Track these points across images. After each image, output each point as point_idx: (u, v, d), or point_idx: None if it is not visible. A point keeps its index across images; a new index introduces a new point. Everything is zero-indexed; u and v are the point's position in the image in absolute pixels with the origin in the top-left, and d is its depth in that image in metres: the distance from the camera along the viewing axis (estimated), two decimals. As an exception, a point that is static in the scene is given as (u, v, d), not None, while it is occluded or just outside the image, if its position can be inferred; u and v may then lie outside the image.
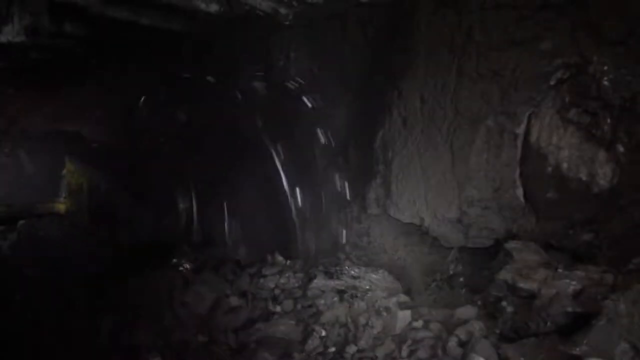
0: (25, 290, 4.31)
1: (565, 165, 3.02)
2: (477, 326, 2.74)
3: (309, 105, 4.12)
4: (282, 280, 3.69)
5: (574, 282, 2.55)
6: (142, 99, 5.41)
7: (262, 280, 3.81)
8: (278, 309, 3.55)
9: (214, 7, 3.99)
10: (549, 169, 3.07)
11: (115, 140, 5.62)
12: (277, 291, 3.70)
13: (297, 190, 3.88)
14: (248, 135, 4.08)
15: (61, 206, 5.15)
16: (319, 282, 3.55)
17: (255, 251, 4.28)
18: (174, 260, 4.29)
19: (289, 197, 3.89)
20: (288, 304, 3.55)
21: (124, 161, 5.05)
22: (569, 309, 2.48)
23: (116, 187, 4.61)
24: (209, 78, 4.63)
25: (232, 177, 4.28)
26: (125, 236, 4.54)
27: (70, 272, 4.52)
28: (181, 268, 4.05)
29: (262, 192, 4.13)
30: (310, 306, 3.44)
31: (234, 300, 3.76)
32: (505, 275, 2.81)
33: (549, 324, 2.50)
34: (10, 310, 4.08)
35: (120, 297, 3.91)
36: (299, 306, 3.53)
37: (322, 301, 3.40)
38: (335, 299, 3.41)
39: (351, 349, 3.00)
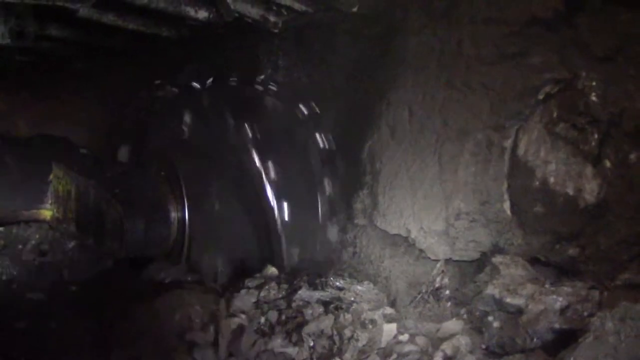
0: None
1: (552, 179, 3.02)
2: (463, 341, 2.73)
3: (298, 114, 4.09)
4: (263, 294, 3.64)
5: (560, 298, 2.55)
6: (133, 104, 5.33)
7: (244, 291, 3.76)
8: (262, 320, 3.51)
9: (202, 14, 3.98)
10: (536, 183, 3.07)
11: (104, 146, 5.54)
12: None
13: (284, 202, 3.82)
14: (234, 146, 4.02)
15: (47, 213, 4.97)
16: (304, 293, 3.52)
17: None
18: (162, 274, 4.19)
19: (275, 210, 3.84)
20: (273, 315, 3.51)
21: (114, 168, 4.92)
22: (556, 326, 2.47)
23: (106, 195, 4.46)
24: (194, 84, 4.58)
25: (215, 189, 4.22)
26: (116, 246, 4.38)
27: (57, 286, 4.37)
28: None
29: (246, 202, 4.07)
30: (295, 317, 3.40)
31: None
32: (492, 290, 2.80)
33: (535, 340, 2.49)
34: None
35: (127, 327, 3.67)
36: (283, 317, 3.50)
37: (310, 311, 3.37)
38: (321, 310, 3.38)
39: (336, 362, 2.98)
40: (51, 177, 4.92)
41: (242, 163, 3.94)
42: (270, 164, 3.86)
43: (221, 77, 4.55)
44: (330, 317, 3.30)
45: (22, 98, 6.37)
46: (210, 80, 4.47)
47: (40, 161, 5.10)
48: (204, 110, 4.25)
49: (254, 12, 4.03)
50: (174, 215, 4.40)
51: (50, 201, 4.95)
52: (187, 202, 4.33)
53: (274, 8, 4.02)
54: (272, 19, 4.09)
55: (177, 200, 4.39)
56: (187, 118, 4.37)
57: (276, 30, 4.15)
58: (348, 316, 3.28)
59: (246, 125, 3.95)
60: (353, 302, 3.44)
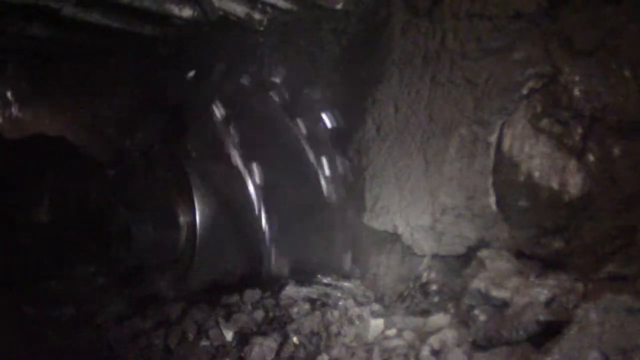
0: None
1: (537, 174, 3.04)
2: (450, 335, 2.74)
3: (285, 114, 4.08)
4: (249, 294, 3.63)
5: (545, 291, 2.57)
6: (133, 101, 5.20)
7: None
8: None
9: (187, 12, 3.97)
10: (521, 177, 3.09)
11: (104, 146, 5.36)
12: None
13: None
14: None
15: (44, 216, 4.70)
16: (290, 290, 3.51)
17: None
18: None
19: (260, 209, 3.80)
20: (259, 314, 3.51)
21: (116, 168, 4.68)
22: (541, 318, 2.49)
23: (108, 197, 4.22)
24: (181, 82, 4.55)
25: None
26: (122, 252, 4.14)
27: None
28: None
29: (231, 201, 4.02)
30: (282, 315, 3.40)
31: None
32: (478, 284, 2.81)
33: (521, 332, 2.51)
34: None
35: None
36: (270, 315, 3.49)
37: (296, 309, 3.36)
38: (307, 307, 3.38)
39: (323, 358, 2.98)
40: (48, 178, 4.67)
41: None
42: (255, 167, 3.83)
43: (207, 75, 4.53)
44: (317, 314, 3.31)
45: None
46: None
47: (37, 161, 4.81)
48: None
49: (239, 10, 4.03)
50: (182, 219, 4.20)
51: (47, 203, 4.69)
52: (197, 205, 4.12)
53: (259, 6, 4.02)
54: (257, 16, 4.10)
55: (187, 204, 4.18)
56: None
57: (261, 28, 4.15)
58: (335, 313, 3.29)
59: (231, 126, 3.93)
60: (340, 298, 3.44)
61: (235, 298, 3.62)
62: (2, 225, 4.60)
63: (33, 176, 4.73)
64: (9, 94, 6.40)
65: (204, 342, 3.38)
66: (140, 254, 4.09)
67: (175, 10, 3.95)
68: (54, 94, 6.29)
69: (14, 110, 6.45)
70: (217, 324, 3.42)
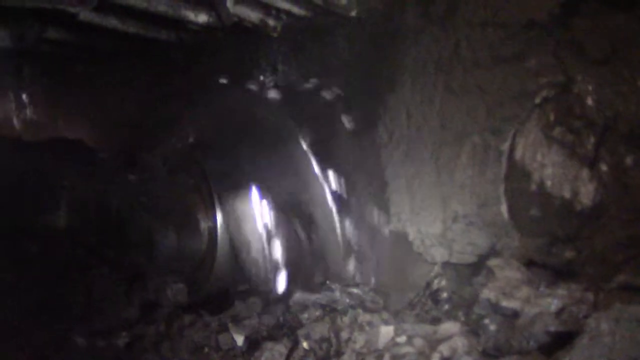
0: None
1: (549, 182, 3.03)
2: (460, 343, 2.74)
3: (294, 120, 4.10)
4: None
5: (556, 301, 2.56)
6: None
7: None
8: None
9: (202, 18, 4.00)
10: (533, 186, 3.09)
11: (124, 150, 5.30)
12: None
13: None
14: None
15: (61, 222, 4.46)
16: (300, 296, 3.53)
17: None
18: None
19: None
20: (269, 319, 3.52)
21: (137, 173, 4.59)
22: (552, 328, 2.48)
23: (130, 203, 4.08)
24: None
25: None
26: (143, 259, 3.98)
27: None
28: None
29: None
30: (292, 320, 3.41)
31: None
32: (488, 293, 2.81)
33: (531, 342, 2.50)
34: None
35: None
36: (280, 320, 3.51)
37: (306, 315, 3.38)
38: (317, 313, 3.39)
39: (334, 364, 2.99)
40: (65, 183, 4.51)
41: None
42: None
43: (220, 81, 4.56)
44: (327, 320, 3.32)
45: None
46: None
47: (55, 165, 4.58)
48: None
49: (253, 16, 4.06)
50: (204, 225, 4.12)
51: (64, 209, 4.49)
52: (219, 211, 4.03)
53: (273, 12, 4.05)
54: (271, 23, 4.12)
55: (209, 210, 4.10)
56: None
57: (275, 35, 4.18)
58: (345, 319, 3.30)
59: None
60: (350, 304, 3.45)
61: (245, 304, 3.64)
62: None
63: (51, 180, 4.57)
64: (25, 97, 6.47)
65: (214, 347, 3.40)
66: (163, 262, 4.03)
67: (191, 15, 3.99)
68: (71, 97, 6.35)
69: (30, 113, 6.53)
70: (227, 329, 3.44)
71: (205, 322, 3.60)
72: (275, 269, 3.83)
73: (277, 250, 3.81)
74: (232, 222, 3.97)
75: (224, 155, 4.09)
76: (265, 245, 3.83)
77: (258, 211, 3.86)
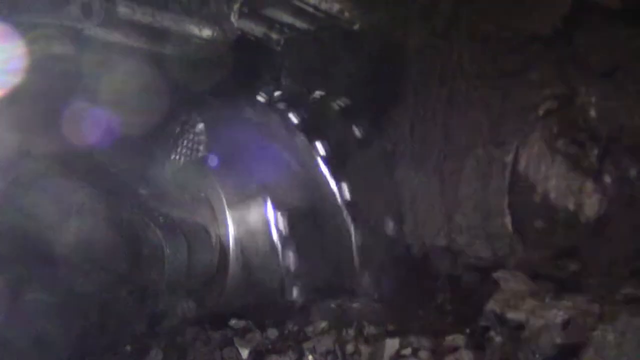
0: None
1: (552, 194, 3.04)
2: (465, 356, 2.73)
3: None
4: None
5: (561, 313, 2.56)
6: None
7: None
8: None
9: (207, 32, 4.02)
10: (537, 198, 3.09)
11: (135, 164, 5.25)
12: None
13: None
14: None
15: (69, 235, 4.34)
16: (312, 308, 3.52)
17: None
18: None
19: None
20: (272, 332, 3.51)
21: (149, 187, 4.54)
22: (557, 340, 2.48)
23: (142, 217, 4.02)
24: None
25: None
26: (154, 275, 3.97)
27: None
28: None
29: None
30: (297, 333, 3.41)
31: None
32: (493, 305, 2.81)
33: (537, 355, 2.50)
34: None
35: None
36: (285, 332, 3.50)
37: (310, 328, 3.37)
38: (323, 325, 3.39)
39: (339, 376, 2.99)
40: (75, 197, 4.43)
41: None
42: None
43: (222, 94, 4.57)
44: (333, 332, 3.31)
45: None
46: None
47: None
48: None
49: (257, 30, 4.09)
50: (215, 240, 4.00)
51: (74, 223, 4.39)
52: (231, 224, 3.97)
53: (277, 26, 4.08)
54: (274, 36, 4.16)
55: (220, 224, 4.01)
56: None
57: (278, 48, 4.21)
58: (351, 331, 3.29)
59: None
60: (355, 316, 3.45)
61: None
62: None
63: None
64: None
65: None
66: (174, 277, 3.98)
67: (195, 30, 4.01)
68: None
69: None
70: (232, 342, 3.43)
71: (209, 336, 3.59)
72: (290, 281, 3.80)
73: (292, 263, 3.78)
74: (245, 234, 3.93)
75: (235, 167, 4.06)
76: (280, 258, 3.79)
77: (271, 223, 3.83)
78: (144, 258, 3.84)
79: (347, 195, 3.75)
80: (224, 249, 3.96)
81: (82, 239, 4.22)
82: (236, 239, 3.91)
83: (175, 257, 3.82)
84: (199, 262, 3.96)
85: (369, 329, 3.27)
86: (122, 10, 3.63)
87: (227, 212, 3.93)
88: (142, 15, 3.72)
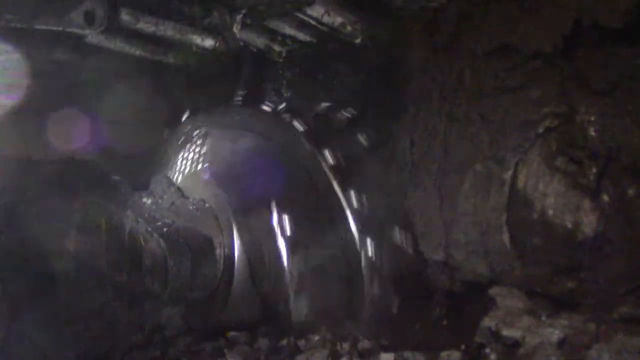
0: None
1: (551, 212, 3.04)
2: (460, 372, 2.73)
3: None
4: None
5: (557, 331, 2.55)
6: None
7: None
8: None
9: (209, 42, 4.04)
10: (535, 215, 3.09)
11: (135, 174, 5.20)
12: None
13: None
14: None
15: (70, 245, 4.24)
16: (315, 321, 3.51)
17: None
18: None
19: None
20: (264, 343, 3.49)
21: (153, 197, 4.49)
22: (553, 358, 2.47)
23: (145, 228, 3.96)
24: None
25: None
26: (157, 286, 3.83)
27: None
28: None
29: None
30: (290, 346, 3.39)
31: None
32: (489, 322, 2.80)
33: (532, 372, 2.50)
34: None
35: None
36: (278, 345, 3.48)
37: (303, 341, 3.35)
38: (317, 338, 3.37)
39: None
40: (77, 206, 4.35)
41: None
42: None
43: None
44: (328, 345, 3.30)
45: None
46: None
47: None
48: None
49: (259, 41, 4.11)
50: (219, 251, 3.97)
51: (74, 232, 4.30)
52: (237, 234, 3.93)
53: (279, 38, 4.10)
54: (276, 48, 4.18)
55: (225, 235, 3.98)
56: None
57: (280, 60, 4.22)
58: (345, 345, 3.28)
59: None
60: (348, 330, 3.43)
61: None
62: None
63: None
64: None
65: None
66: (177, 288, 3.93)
67: (197, 40, 4.03)
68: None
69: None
70: (223, 354, 3.41)
71: (201, 347, 3.57)
72: (296, 293, 3.76)
73: (299, 274, 3.76)
74: (250, 244, 3.89)
75: (240, 177, 4.04)
76: (286, 269, 3.77)
77: (278, 234, 3.80)
78: (146, 268, 3.79)
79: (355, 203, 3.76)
80: (228, 259, 3.94)
81: (84, 253, 4.23)
82: (241, 249, 3.87)
83: (178, 268, 3.78)
84: (202, 273, 3.92)
85: (364, 343, 3.26)
86: (125, 18, 3.66)
87: (232, 222, 3.91)
88: (145, 24, 3.74)
